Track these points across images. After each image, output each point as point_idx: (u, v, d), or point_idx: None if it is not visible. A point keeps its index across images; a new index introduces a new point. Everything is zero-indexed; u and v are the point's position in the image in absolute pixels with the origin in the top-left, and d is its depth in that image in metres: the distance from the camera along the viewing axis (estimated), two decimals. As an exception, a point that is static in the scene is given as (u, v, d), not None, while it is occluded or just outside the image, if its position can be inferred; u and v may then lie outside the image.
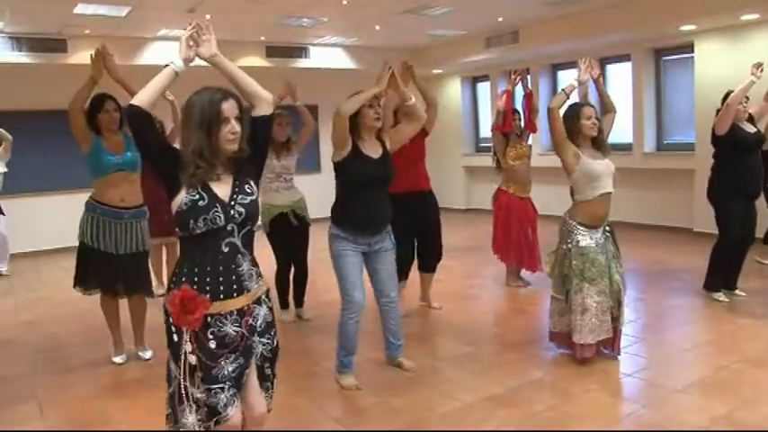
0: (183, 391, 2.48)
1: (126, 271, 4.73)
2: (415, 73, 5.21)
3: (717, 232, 5.94)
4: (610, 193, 4.42)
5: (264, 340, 2.63)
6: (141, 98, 2.45)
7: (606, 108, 4.70)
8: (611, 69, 10.74)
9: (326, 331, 5.34)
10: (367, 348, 4.75)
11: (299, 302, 5.96)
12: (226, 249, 2.48)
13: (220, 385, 2.47)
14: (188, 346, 2.45)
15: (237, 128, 2.48)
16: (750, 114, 5.85)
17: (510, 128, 6.47)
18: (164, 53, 10.07)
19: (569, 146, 4.36)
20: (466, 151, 13.49)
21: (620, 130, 10.59)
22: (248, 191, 2.55)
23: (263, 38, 10.68)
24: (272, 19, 9.27)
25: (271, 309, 2.69)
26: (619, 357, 4.52)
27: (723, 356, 4.50)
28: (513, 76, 6.55)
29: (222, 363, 2.48)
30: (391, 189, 4.32)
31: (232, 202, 2.49)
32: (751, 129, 5.76)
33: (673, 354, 4.67)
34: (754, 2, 7.76)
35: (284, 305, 5.86)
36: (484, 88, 13.16)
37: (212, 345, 2.47)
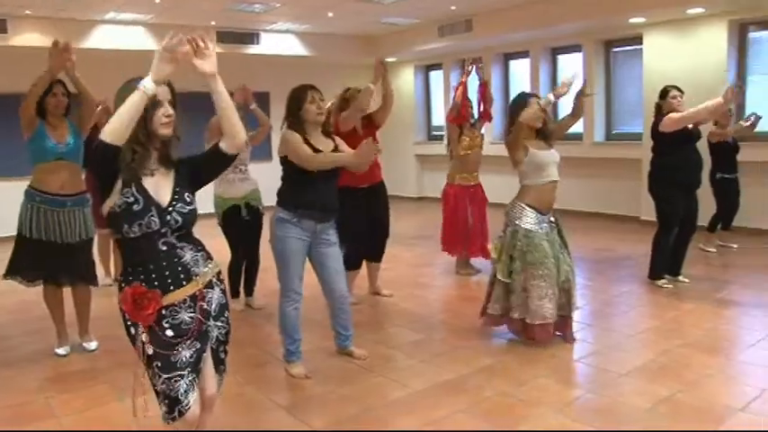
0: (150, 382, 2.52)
1: (71, 260, 4.62)
2: (387, 69, 5.32)
3: (663, 222, 6.08)
4: (556, 181, 4.57)
5: (219, 323, 2.65)
6: (113, 134, 2.24)
7: (575, 113, 4.89)
8: (563, 60, 10.89)
9: (276, 320, 5.31)
10: (317, 337, 4.75)
11: (250, 291, 5.92)
12: (163, 248, 2.47)
13: (180, 372, 2.47)
14: (144, 337, 2.45)
15: (171, 111, 2.45)
16: None
17: (465, 119, 6.52)
18: (112, 37, 9.87)
19: (522, 145, 4.49)
20: (418, 139, 13.55)
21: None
22: (188, 200, 2.53)
23: (213, 23, 10.51)
24: (222, 4, 9.14)
25: (223, 291, 2.69)
26: (568, 344, 4.62)
27: (667, 341, 4.63)
28: (467, 66, 6.59)
29: (180, 349, 2.48)
30: (348, 182, 4.32)
31: (170, 208, 2.46)
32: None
33: (619, 339, 4.77)
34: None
35: (235, 294, 5.81)
36: (437, 77, 13.20)
37: (169, 333, 2.47)
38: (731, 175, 7.51)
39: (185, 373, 2.49)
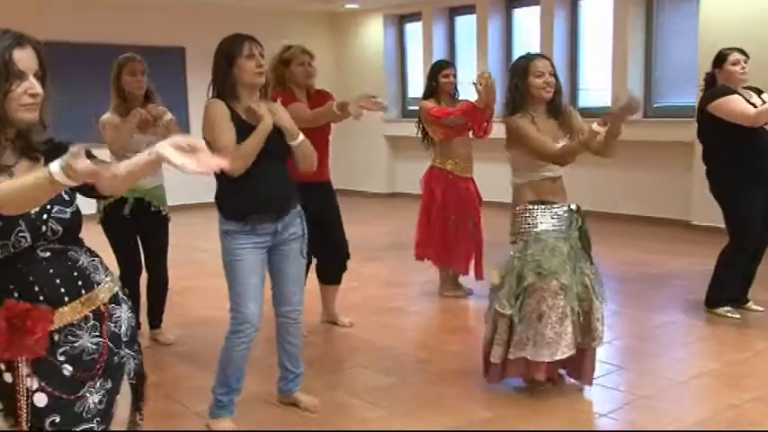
0: None
1: None
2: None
3: (723, 226, 6.03)
4: (558, 177, 4.54)
5: (132, 352, 2.57)
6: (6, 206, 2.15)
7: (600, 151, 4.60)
8: (584, 6, 10.93)
9: (194, 360, 5.28)
10: (251, 380, 4.69)
11: (156, 322, 5.85)
12: (46, 254, 2.35)
13: (87, 426, 2.36)
14: (29, 381, 2.29)
15: (38, 88, 2.28)
16: (759, 90, 5.97)
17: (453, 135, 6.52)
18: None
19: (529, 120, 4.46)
20: (389, 116, 13.31)
21: (595, 90, 10.82)
22: (67, 199, 2.38)
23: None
24: None
25: (132, 309, 2.61)
26: (589, 390, 4.63)
27: (731, 392, 4.63)
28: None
29: (86, 393, 2.37)
30: (294, 176, 4.32)
31: (44, 216, 2.32)
32: (757, 100, 5.79)
33: (662, 388, 4.78)
34: None
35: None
36: (414, 30, 13.23)
37: (67, 371, 2.34)
38: None
39: (93, 425, 2.38)
